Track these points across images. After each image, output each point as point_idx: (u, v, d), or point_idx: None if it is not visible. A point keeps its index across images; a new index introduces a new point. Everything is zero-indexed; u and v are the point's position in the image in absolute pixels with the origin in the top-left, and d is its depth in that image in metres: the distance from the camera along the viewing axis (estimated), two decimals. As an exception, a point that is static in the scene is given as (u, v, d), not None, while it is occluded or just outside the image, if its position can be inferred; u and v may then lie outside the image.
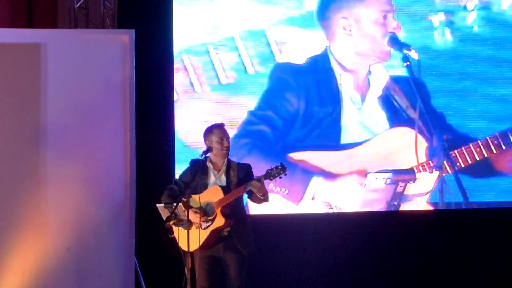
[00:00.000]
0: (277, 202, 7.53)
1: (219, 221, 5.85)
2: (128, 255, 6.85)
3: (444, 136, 7.70)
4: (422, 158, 7.70)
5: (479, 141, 7.69)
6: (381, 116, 7.77)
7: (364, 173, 7.66)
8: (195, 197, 5.85)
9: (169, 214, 5.78)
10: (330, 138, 7.72)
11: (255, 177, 5.88)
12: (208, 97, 7.75)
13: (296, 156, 7.69)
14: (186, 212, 5.75)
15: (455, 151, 7.68)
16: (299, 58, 7.79)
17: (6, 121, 6.73)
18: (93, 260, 6.77)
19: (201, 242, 5.84)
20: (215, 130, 6.00)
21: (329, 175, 7.69)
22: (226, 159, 6.01)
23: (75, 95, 6.84)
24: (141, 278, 7.14)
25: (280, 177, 5.84)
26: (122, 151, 6.86)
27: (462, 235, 7.79)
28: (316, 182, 7.65)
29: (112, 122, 6.89)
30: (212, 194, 5.89)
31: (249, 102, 7.73)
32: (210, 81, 7.75)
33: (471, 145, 7.68)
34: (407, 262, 7.75)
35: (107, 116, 6.89)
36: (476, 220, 7.77)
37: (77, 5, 7.83)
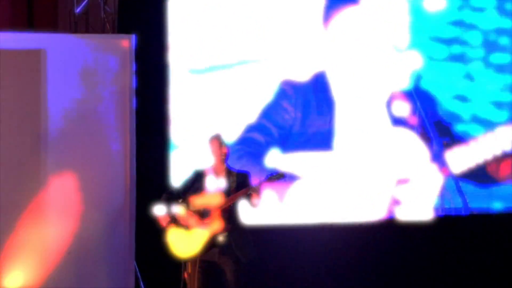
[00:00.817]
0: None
1: (217, 225, 5.98)
2: (128, 259, 6.87)
3: (443, 142, 7.71)
4: (422, 163, 7.71)
5: (471, 143, 7.70)
6: (383, 122, 7.76)
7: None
8: (196, 199, 6.03)
9: (165, 214, 5.98)
10: (324, 144, 7.71)
11: (253, 184, 6.06)
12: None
13: (286, 158, 7.70)
14: (184, 217, 5.93)
15: (452, 154, 7.69)
16: (303, 75, 7.76)
17: (7, 126, 6.74)
18: (93, 264, 6.79)
19: (198, 247, 5.96)
20: (215, 137, 6.23)
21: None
22: (225, 166, 6.18)
23: (76, 100, 6.86)
24: (141, 283, 7.15)
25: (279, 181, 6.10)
26: (122, 156, 6.89)
27: (461, 240, 7.80)
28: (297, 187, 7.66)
29: (112, 127, 6.92)
30: (211, 198, 6.04)
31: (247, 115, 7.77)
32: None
33: (465, 148, 7.69)
34: (407, 267, 7.76)
35: (107, 121, 6.91)
36: (476, 226, 7.79)
37: (78, 10, 7.84)
